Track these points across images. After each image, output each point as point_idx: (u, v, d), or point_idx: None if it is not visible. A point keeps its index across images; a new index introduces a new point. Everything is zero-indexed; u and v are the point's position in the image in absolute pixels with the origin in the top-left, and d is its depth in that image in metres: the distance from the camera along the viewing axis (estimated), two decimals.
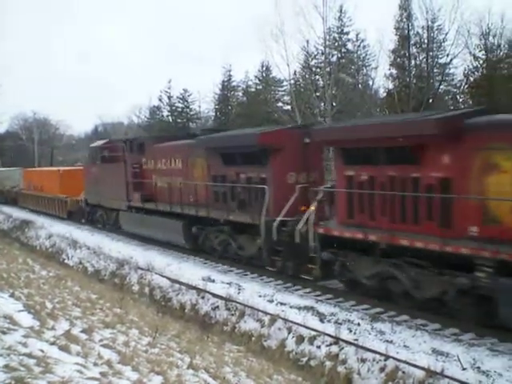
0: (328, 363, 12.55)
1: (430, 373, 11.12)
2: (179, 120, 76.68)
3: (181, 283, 19.38)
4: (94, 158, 33.34)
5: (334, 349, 12.90)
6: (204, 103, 77.67)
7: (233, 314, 16.15)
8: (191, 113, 78.52)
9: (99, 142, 34.61)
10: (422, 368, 11.35)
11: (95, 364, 7.52)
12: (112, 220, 32.34)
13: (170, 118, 78.33)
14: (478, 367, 11.61)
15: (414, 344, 13.03)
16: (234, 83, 74.73)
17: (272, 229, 18.86)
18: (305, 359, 13.07)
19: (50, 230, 34.98)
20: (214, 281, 19.62)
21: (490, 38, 48.86)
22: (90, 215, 35.92)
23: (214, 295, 17.60)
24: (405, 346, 12.97)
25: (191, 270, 21.44)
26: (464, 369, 11.52)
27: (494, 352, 12.38)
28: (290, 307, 16.17)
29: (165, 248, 26.36)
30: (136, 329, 11.59)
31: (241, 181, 21.25)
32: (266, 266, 19.91)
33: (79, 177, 37.01)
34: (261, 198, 19.69)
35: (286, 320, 14.79)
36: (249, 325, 15.29)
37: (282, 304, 16.52)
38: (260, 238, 19.58)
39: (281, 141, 19.62)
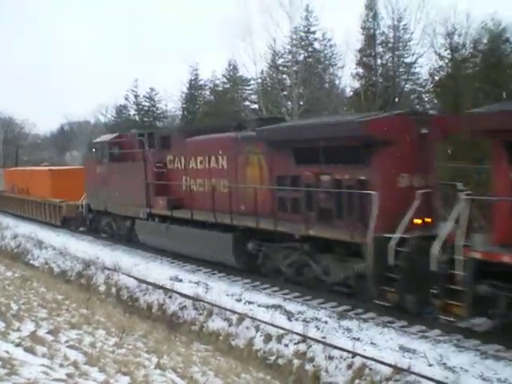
0: (296, 361, 12.58)
1: (397, 369, 11.20)
2: (146, 119, 76.21)
3: (148, 283, 19.27)
4: (100, 155, 28.02)
5: (302, 347, 12.93)
6: (171, 102, 77.31)
7: (201, 314, 16.10)
8: (158, 112, 78.14)
9: (107, 137, 29.63)
10: (389, 365, 11.43)
11: (61, 365, 7.45)
12: (125, 230, 27.09)
13: (136, 116, 77.84)
14: (445, 363, 11.73)
15: (381, 341, 13.13)
16: (201, 82, 74.47)
17: (386, 249, 13.98)
18: (273, 358, 13.08)
19: (16, 230, 34.52)
20: (181, 280, 19.55)
21: (456, 37, 49.32)
22: (92, 223, 30.77)
23: (182, 295, 17.54)
24: (372, 343, 13.06)
25: (158, 270, 21.36)
26: (430, 365, 11.63)
27: (459, 348, 12.53)
28: (258, 306, 16.19)
29: (131, 248, 26.18)
30: (103, 329, 11.51)
31: (322, 184, 16.40)
32: (372, 299, 14.87)
33: (75, 177, 32.83)
34: (359, 207, 15.23)
35: (253, 319, 14.81)
36: (217, 324, 15.27)
37: (249, 303, 16.53)
38: (364, 261, 14.66)
39: (393, 131, 14.87)
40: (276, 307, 15.97)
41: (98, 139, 30.03)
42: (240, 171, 19.41)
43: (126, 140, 27.12)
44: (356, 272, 15.27)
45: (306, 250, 16.82)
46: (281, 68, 53.86)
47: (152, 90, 76.64)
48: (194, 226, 21.28)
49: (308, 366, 12.25)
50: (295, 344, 13.16)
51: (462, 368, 11.45)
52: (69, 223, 33.70)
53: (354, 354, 12.11)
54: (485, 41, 46.81)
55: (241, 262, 19.36)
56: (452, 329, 13.55)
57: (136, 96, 77.89)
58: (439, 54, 49.93)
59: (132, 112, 79.50)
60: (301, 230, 16.54)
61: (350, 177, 15.57)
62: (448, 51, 49.90)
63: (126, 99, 78.94)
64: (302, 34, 56.05)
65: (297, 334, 13.51)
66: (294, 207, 17.27)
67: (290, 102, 47.81)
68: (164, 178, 23.37)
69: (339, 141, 15.52)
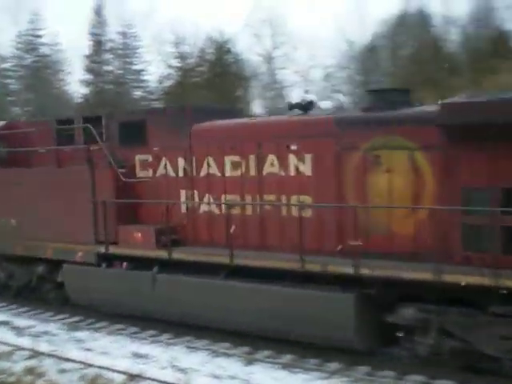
0: (27, 378, 12.21)
1: (130, 376, 11.34)
2: None
3: None
4: None
5: (33, 362, 12.60)
6: None
7: None
8: None
9: None
10: (123, 372, 11.55)
11: None
12: (30, 280, 16.58)
13: None
14: (176, 365, 12.04)
15: (113, 349, 13.17)
16: None
17: None
18: (2, 377, 12.60)
19: None
20: None
21: (184, 46, 51.06)
22: None
23: None
24: (105, 352, 13.04)
25: None
26: (163, 368, 11.93)
27: (191, 349, 12.95)
28: None
29: None
30: None
31: None
32: None
33: None
34: None
35: None
36: None
37: None
38: None
39: None
40: (4, 323, 15.44)
41: None
42: (351, 181, 11.46)
43: (36, 131, 16.26)
44: None
45: None
46: (6, 72, 51.86)
47: None
48: (227, 276, 12.64)
49: (39, 382, 11.96)
50: (25, 360, 12.79)
51: (192, 368, 11.81)
52: None
53: (87, 365, 12.07)
54: (211, 51, 49.19)
55: (368, 341, 11.09)
56: (183, 331, 13.70)
57: None
58: (168, 63, 51.46)
59: None
60: None
61: None
62: (177, 60, 51.62)
63: None
64: (29, 38, 54.44)
65: (26, 349, 13.16)
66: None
67: (16, 108, 46.34)
68: (134, 194, 14.40)
69: None
